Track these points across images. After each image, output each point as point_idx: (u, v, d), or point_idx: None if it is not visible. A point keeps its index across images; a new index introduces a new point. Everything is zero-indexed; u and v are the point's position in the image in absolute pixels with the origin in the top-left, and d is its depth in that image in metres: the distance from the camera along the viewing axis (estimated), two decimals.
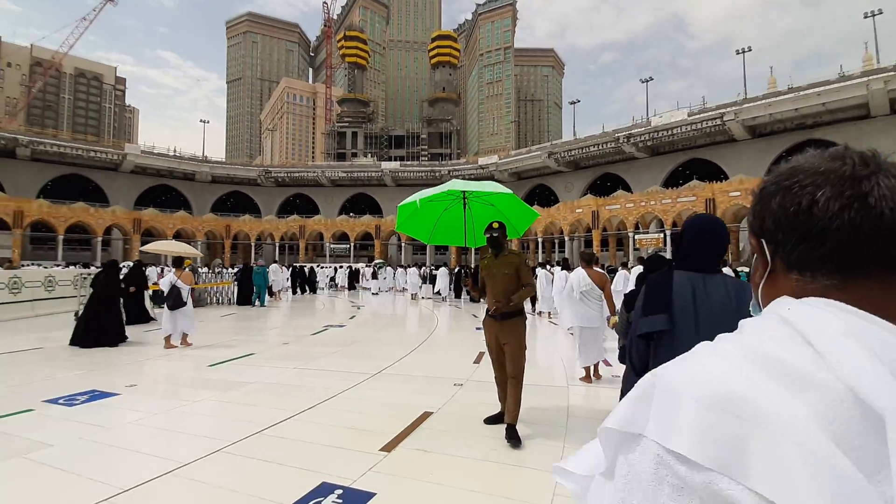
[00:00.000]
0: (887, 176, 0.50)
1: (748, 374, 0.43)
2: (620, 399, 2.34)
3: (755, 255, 0.60)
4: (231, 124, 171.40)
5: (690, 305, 1.87)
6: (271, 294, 19.04)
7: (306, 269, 25.88)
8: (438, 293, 20.48)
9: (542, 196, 54.00)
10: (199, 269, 17.28)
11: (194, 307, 8.94)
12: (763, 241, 0.57)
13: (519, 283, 3.87)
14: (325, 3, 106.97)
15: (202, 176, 58.16)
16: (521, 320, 3.93)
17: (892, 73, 31.04)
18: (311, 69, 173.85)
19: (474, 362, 6.75)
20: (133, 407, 4.63)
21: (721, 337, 0.51)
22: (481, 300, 4.06)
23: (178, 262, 8.93)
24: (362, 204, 62.15)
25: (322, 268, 31.68)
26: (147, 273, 13.01)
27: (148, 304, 12.28)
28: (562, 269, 10.81)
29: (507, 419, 3.76)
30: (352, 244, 54.07)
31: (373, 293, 24.29)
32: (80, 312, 9.11)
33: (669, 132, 41.99)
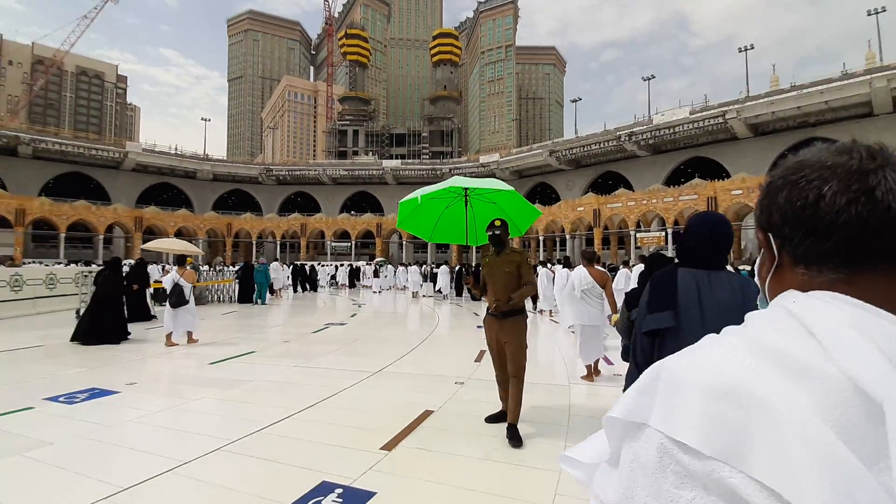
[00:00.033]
0: (895, 170, 0.50)
1: (751, 365, 0.44)
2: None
3: (762, 250, 0.61)
4: (232, 122, 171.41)
5: (696, 302, 1.87)
6: (272, 292, 19.05)
7: (307, 268, 25.87)
8: (439, 291, 20.46)
9: (544, 194, 53.94)
10: (200, 268, 17.28)
11: (195, 305, 8.94)
12: (770, 235, 0.58)
13: (520, 281, 3.85)
14: (326, 0, 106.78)
15: (203, 174, 58.18)
16: (522, 319, 3.90)
17: (895, 70, 30.91)
18: (312, 67, 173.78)
19: (475, 361, 6.73)
20: (133, 405, 4.62)
21: (727, 329, 0.51)
22: (482, 298, 4.03)
23: (181, 260, 8.97)
24: (363, 202, 62.14)
25: (323, 266, 31.68)
26: (149, 271, 13.02)
27: (149, 301, 12.28)
28: (563, 268, 10.78)
29: (508, 419, 3.74)
30: (353, 242, 54.08)
31: (374, 292, 24.26)
32: (83, 310, 9.14)
33: (671, 130, 41.88)
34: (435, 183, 4.65)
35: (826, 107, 34.27)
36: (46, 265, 23.67)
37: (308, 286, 24.92)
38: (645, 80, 50.41)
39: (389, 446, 3.54)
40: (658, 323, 1.89)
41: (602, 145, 46.87)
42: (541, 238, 44.28)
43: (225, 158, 67.56)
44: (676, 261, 2.12)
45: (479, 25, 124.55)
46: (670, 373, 0.47)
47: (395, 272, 26.87)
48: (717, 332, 0.51)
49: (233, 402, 4.80)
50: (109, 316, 8.41)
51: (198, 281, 13.64)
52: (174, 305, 8.07)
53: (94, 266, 19.18)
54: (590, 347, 5.90)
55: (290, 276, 23.92)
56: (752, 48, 44.34)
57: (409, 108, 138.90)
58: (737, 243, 33.53)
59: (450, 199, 4.60)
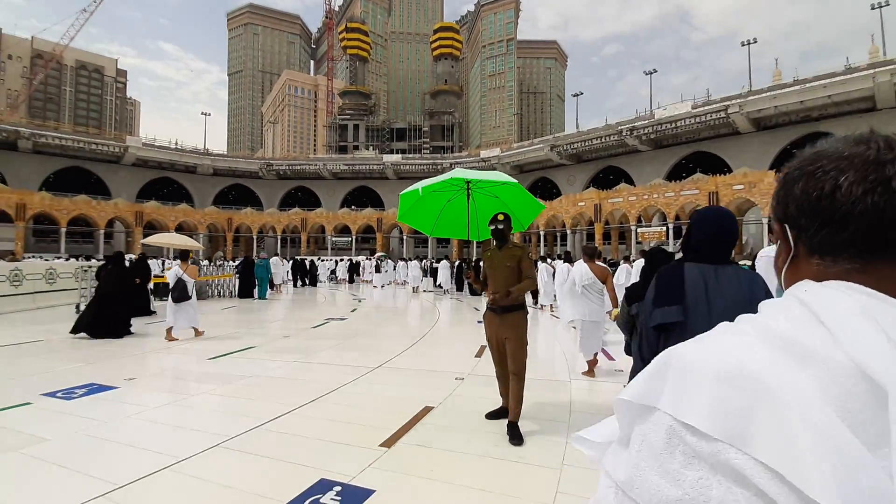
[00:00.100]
0: None
1: (759, 351, 0.45)
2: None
3: (779, 241, 0.61)
4: (232, 117, 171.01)
5: (703, 297, 1.86)
6: (272, 287, 19.04)
7: (307, 262, 25.85)
8: (440, 286, 20.44)
9: (545, 189, 53.82)
10: (201, 262, 17.26)
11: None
12: (786, 226, 0.58)
13: (521, 275, 3.80)
14: None
15: (204, 169, 58.09)
16: (522, 314, 3.85)
17: None
18: (312, 61, 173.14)
19: (475, 356, 6.70)
20: (131, 400, 4.59)
21: (740, 317, 0.52)
22: (483, 293, 3.99)
23: (184, 255, 8.98)
24: (364, 197, 62.06)
25: (322, 261, 31.66)
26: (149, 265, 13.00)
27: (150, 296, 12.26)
28: (564, 263, 10.75)
29: (509, 417, 3.70)
30: (353, 237, 54.05)
31: (374, 286, 24.23)
32: (83, 304, 9.13)
33: (673, 125, 41.70)
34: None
35: (829, 101, 34.09)
36: (46, 259, 23.68)
37: (308, 281, 24.91)
38: (647, 74, 50.23)
39: (389, 443, 3.51)
40: (665, 317, 1.87)
41: (603, 140, 46.71)
42: (541, 233, 44.21)
43: (225, 153, 67.60)
44: (680, 255, 2.09)
45: (480, 19, 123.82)
46: (681, 359, 0.48)
47: (394, 266, 26.83)
48: None
49: (232, 398, 4.77)
50: (113, 310, 8.42)
51: (199, 276, 13.64)
52: (176, 300, 8.06)
53: (93, 261, 19.16)
54: (590, 342, 5.89)
55: (290, 271, 23.90)
56: (755, 42, 44.08)
57: (410, 102, 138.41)
58: (738, 238, 33.45)
59: (452, 192, 4.53)
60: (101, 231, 45.33)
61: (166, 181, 57.09)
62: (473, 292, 17.74)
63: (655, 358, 0.51)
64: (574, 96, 57.75)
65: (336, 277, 29.24)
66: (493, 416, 4.05)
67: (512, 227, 4.04)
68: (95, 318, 8.26)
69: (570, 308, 6.20)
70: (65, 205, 43.42)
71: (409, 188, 4.20)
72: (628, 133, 44.30)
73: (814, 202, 0.53)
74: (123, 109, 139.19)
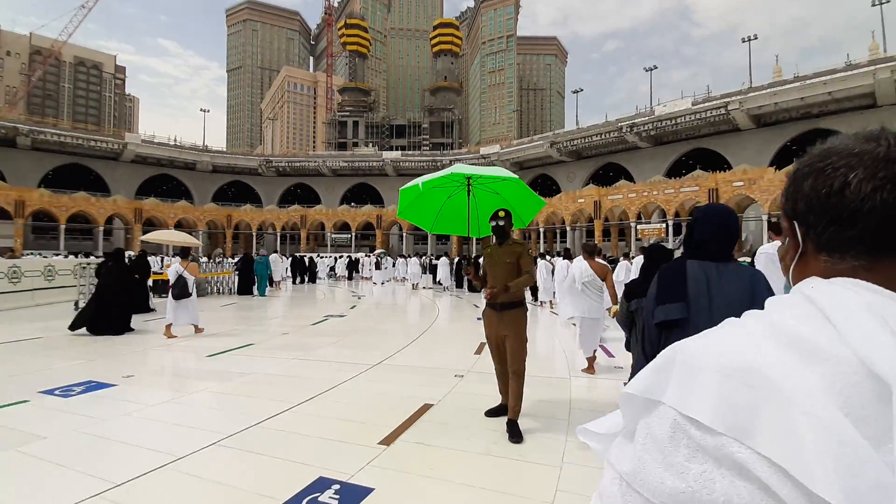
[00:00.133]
0: None
1: (765, 347, 0.45)
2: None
3: (787, 238, 0.61)
4: (232, 113, 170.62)
5: (705, 294, 1.87)
6: (271, 283, 19.03)
7: (306, 259, 25.83)
8: (439, 283, 20.42)
9: (544, 186, 53.75)
10: (200, 259, 17.23)
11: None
12: (795, 223, 0.58)
13: (520, 272, 3.78)
14: None
15: (203, 165, 58.00)
16: (521, 311, 3.82)
17: None
18: (311, 58, 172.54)
19: (475, 353, 6.69)
20: (129, 398, 4.57)
21: (747, 314, 0.52)
22: (482, 290, 3.96)
23: (185, 252, 9.02)
24: (364, 194, 61.99)
25: (322, 258, 31.65)
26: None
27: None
28: (563, 259, 10.73)
29: (508, 415, 3.68)
30: (353, 234, 54.02)
31: (374, 283, 24.20)
32: (81, 301, 9.11)
33: (673, 121, 41.63)
34: None
35: (829, 98, 34.03)
36: (45, 256, 23.65)
37: (307, 278, 24.89)
38: (647, 70, 50.10)
39: (388, 441, 3.49)
40: (668, 314, 1.88)
41: (603, 137, 46.63)
42: (541, 230, 44.18)
43: (224, 150, 67.44)
44: (679, 253, 2.08)
45: (480, 15, 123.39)
46: (686, 353, 0.48)
47: (393, 263, 26.82)
48: None
49: (230, 396, 4.75)
50: (113, 307, 8.43)
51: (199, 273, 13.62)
52: (177, 297, 8.08)
53: (92, 258, 19.13)
54: (589, 339, 5.89)
55: (289, 268, 23.88)
56: (756, 38, 44.00)
57: (410, 98, 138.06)
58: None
59: (452, 188, 4.49)
60: (101, 228, 45.27)
61: (165, 178, 56.99)
62: (473, 289, 17.72)
63: (661, 353, 0.51)
64: (574, 93, 57.63)
65: (335, 274, 29.24)
66: (492, 413, 4.03)
67: (513, 224, 4.02)
68: (96, 315, 8.28)
69: (570, 305, 6.18)
70: (64, 202, 43.34)
71: (409, 184, 4.16)
72: (628, 130, 44.23)
73: (823, 199, 0.53)
74: (122, 106, 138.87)
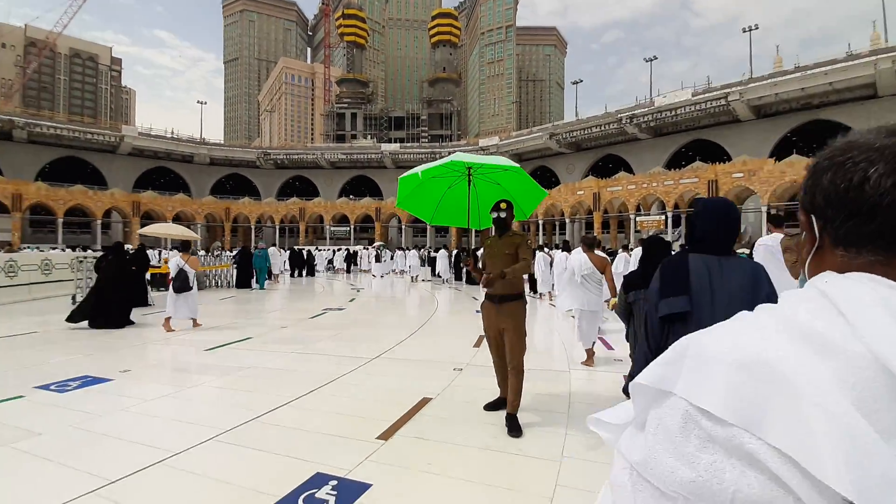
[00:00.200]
0: None
1: (777, 341, 0.45)
2: (628, 377, 2.28)
3: (803, 232, 0.61)
4: (229, 105, 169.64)
5: (707, 288, 1.89)
6: (269, 276, 19.00)
7: (304, 252, 25.79)
8: (438, 275, 20.41)
9: (544, 178, 53.54)
10: (198, 253, 17.17)
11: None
12: (813, 216, 0.58)
13: (518, 261, 3.72)
14: None
15: (200, 158, 57.68)
16: (520, 304, 3.78)
17: None
18: (309, 49, 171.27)
19: (474, 346, 6.66)
20: (126, 393, 4.54)
21: (760, 307, 0.53)
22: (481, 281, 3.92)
23: (186, 245, 9.05)
24: (362, 186, 61.77)
25: (320, 250, 31.62)
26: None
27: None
28: (562, 251, 10.70)
29: (507, 409, 3.65)
30: (352, 227, 53.89)
31: (373, 275, 24.20)
32: (82, 294, 9.08)
33: (673, 112, 41.40)
34: None
35: (830, 88, 33.82)
36: (42, 250, 23.57)
37: (305, 271, 24.86)
38: (647, 61, 49.76)
39: (386, 435, 3.47)
40: (672, 308, 1.89)
41: (603, 128, 46.40)
42: (540, 222, 44.10)
43: (222, 142, 67.14)
44: (679, 244, 2.07)
45: (479, 5, 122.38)
46: (699, 346, 0.49)
47: (391, 256, 26.79)
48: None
49: (228, 390, 4.72)
50: (113, 301, 8.44)
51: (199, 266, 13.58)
52: (177, 290, 8.09)
53: (89, 251, 19.06)
54: (588, 331, 5.89)
55: (288, 261, 23.85)
56: (756, 28, 43.69)
57: (408, 90, 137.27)
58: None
59: (452, 179, 4.41)
60: (99, 221, 45.11)
61: (163, 171, 56.71)
62: (471, 281, 17.68)
63: (673, 345, 0.52)
64: (573, 84, 57.28)
65: (334, 267, 29.22)
66: (491, 407, 4.00)
67: (514, 216, 3.96)
68: (95, 309, 8.29)
69: (569, 297, 6.16)
70: (61, 195, 43.11)
71: (409, 172, 4.10)
72: (628, 121, 44.00)
73: (842, 193, 0.53)
74: (118, 98, 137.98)
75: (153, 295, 12.06)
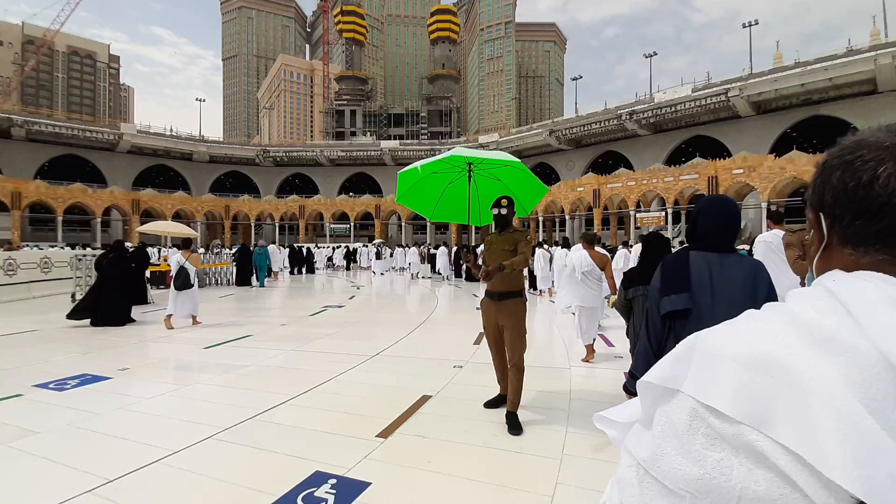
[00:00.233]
0: None
1: (785, 339, 0.45)
2: (629, 374, 2.25)
3: (811, 230, 0.61)
4: (228, 103, 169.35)
5: (707, 285, 1.91)
6: (269, 274, 18.99)
7: (304, 250, 25.79)
8: (438, 273, 20.39)
9: (544, 175, 53.44)
10: (198, 250, 17.14)
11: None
12: (821, 215, 0.58)
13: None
14: None
15: (200, 156, 57.58)
16: (520, 302, 3.75)
17: None
18: (307, 45, 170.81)
19: (474, 343, 6.64)
20: (124, 391, 4.53)
21: (767, 305, 0.53)
22: (480, 279, 3.89)
23: (188, 243, 9.06)
24: (362, 183, 61.68)
25: (319, 248, 31.63)
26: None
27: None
28: (561, 248, 10.68)
29: (507, 407, 3.63)
30: (352, 224, 53.82)
31: (374, 272, 24.19)
32: (82, 293, 9.08)
33: (673, 109, 41.30)
34: None
35: (830, 84, 33.73)
36: (42, 249, 23.54)
37: (305, 268, 24.86)
38: (647, 57, 49.59)
39: (386, 433, 3.45)
40: (674, 305, 1.91)
41: (603, 124, 46.30)
42: (540, 219, 44.07)
43: (221, 140, 66.85)
44: (679, 241, 2.08)
45: (478, 1, 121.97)
46: (707, 344, 0.49)
47: (391, 253, 26.80)
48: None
49: (226, 388, 4.71)
50: (115, 299, 8.46)
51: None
52: (179, 288, 8.13)
53: (88, 249, 19.03)
54: (588, 328, 5.87)
55: (287, 259, 23.85)
56: (756, 24, 43.53)
57: (407, 87, 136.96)
58: None
59: (453, 175, 4.36)
60: (98, 219, 45.05)
61: (162, 169, 56.61)
62: (471, 278, 17.66)
63: (680, 343, 0.52)
64: (573, 80, 57.13)
65: (333, 265, 29.24)
66: (491, 404, 3.99)
67: (515, 212, 3.93)
68: (97, 307, 8.32)
69: (569, 294, 6.14)
70: (60, 193, 43.05)
71: (408, 167, 4.07)
72: (628, 117, 43.90)
73: (850, 192, 0.53)
74: (117, 96, 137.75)
75: (152, 293, 12.04)
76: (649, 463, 0.48)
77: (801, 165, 28.75)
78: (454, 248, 20.86)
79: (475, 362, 5.58)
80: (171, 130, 56.62)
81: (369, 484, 2.71)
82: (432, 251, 23.52)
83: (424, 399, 4.24)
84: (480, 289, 14.22)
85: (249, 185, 60.93)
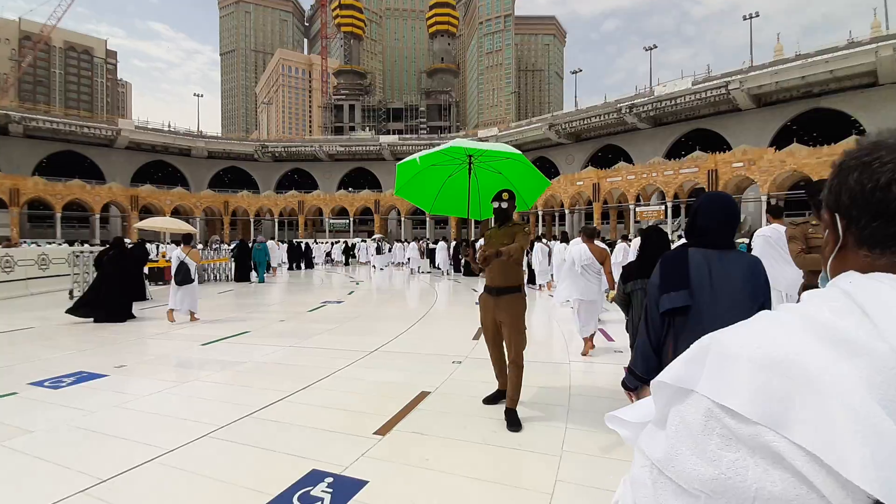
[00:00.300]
0: None
1: (802, 340, 0.45)
2: (627, 370, 2.22)
3: (826, 230, 0.61)
4: (226, 98, 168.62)
5: (707, 282, 1.90)
6: (268, 269, 18.95)
7: (302, 245, 25.76)
8: (437, 267, 20.37)
9: (543, 169, 53.15)
10: (197, 246, 17.10)
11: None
12: (837, 215, 0.57)
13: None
14: None
15: (198, 151, 57.41)
16: (519, 297, 3.70)
17: None
18: (306, 40, 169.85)
19: (473, 338, 6.60)
20: (120, 389, 4.49)
21: (782, 306, 0.53)
22: (480, 273, 3.85)
23: (188, 238, 9.10)
24: (361, 178, 61.56)
25: (318, 243, 31.60)
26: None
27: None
28: (560, 242, 10.64)
29: (507, 403, 3.60)
30: (351, 219, 53.75)
31: (374, 267, 24.17)
32: (80, 289, 9.05)
33: (672, 102, 41.15)
34: None
35: (830, 76, 33.58)
36: (40, 245, 23.47)
37: (303, 264, 24.84)
38: (646, 50, 49.31)
39: (384, 430, 3.42)
40: (673, 302, 1.90)
41: (602, 118, 46.15)
42: (540, 213, 43.99)
43: (220, 135, 66.59)
44: (678, 235, 2.06)
45: None
46: (721, 344, 0.49)
47: (389, 248, 26.77)
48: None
49: (224, 385, 4.67)
50: (115, 295, 8.45)
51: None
52: (179, 283, 8.20)
53: (86, 246, 18.98)
54: (587, 321, 5.85)
55: (286, 254, 23.82)
56: (757, 16, 43.24)
57: (406, 81, 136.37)
58: None
59: (453, 167, 4.30)
60: (97, 216, 44.96)
61: (161, 164, 56.45)
62: (470, 273, 17.63)
63: (694, 343, 0.52)
64: (573, 73, 56.84)
65: (332, 260, 29.23)
66: (489, 400, 3.95)
67: (516, 206, 3.88)
68: (98, 303, 8.33)
69: (568, 288, 6.11)
70: (59, 189, 42.95)
71: (407, 159, 4.02)
72: (627, 111, 43.74)
73: (868, 193, 0.53)
74: (114, 92, 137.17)
75: (151, 289, 12.00)
76: (663, 463, 0.47)
77: (802, 158, 28.65)
78: (453, 243, 20.81)
79: (474, 358, 5.54)
80: (170, 126, 56.43)
81: (366, 482, 2.67)
82: (431, 246, 23.46)
83: (423, 395, 4.20)
84: (480, 283, 14.18)
85: (248, 181, 60.79)
